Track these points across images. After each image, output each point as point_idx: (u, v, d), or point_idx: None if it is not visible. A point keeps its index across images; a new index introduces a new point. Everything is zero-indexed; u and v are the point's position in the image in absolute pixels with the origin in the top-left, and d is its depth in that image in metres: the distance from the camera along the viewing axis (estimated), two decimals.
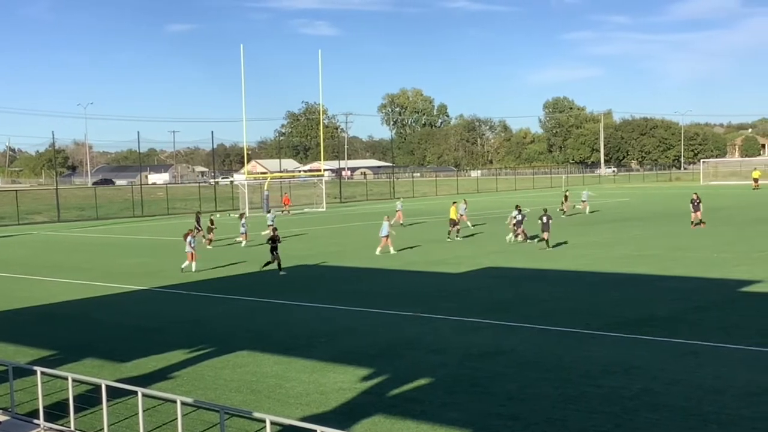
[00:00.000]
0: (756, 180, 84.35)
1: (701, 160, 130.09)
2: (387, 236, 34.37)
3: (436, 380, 14.27)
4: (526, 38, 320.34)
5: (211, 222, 41.31)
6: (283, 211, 68.85)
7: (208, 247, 38.63)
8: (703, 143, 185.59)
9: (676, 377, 13.86)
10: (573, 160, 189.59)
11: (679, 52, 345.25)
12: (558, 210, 42.22)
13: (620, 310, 20.04)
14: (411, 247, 36.01)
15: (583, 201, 56.07)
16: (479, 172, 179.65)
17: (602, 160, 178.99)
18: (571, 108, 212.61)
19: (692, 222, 40.99)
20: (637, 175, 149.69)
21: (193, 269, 29.76)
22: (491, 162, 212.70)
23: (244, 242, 40.43)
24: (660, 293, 22.45)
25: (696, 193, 42.90)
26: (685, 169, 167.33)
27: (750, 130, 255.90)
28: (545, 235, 33.81)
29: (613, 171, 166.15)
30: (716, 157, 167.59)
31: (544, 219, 34.06)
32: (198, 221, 42.39)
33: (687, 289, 22.99)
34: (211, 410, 12.06)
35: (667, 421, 11.67)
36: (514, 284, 25.06)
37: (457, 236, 39.94)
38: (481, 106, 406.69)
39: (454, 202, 43.09)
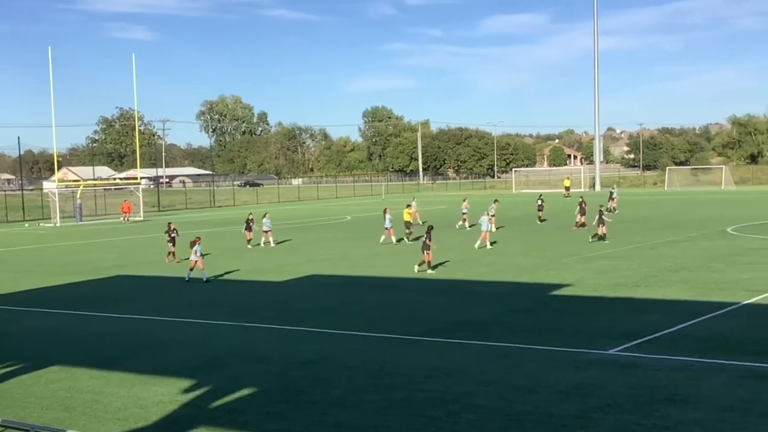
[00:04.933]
0: (567, 188, 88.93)
1: (513, 169, 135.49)
2: (390, 228, 38.46)
3: (259, 390, 14.16)
4: (345, 48, 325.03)
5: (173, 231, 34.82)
6: (122, 219, 67.31)
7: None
8: (515, 153, 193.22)
9: (493, 379, 14.36)
10: (392, 168, 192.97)
11: (490, 66, 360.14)
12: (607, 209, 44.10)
13: (440, 316, 20.57)
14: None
15: (614, 198, 57.80)
16: (300, 180, 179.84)
17: (420, 169, 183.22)
18: (389, 117, 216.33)
19: (577, 224, 43.66)
20: (453, 183, 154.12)
21: (204, 277, 28.05)
22: (312, 170, 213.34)
23: (271, 241, 39.74)
24: (476, 298, 23.20)
25: (582, 197, 47.22)
26: (498, 177, 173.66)
27: (557, 140, 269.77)
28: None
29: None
30: (527, 166, 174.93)
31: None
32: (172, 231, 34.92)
33: (502, 293, 23.87)
34: (20, 429, 11.43)
35: (486, 422, 12.06)
36: (337, 292, 25.22)
37: (408, 239, 39.77)
38: (301, 114, 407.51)
39: (408, 205, 43.25)
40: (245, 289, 26.52)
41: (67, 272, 31.79)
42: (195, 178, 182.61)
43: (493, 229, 43.38)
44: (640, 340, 16.92)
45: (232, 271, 30.24)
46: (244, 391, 14.06)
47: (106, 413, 13.07)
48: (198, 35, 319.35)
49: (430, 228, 29.60)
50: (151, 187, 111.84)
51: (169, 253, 34.31)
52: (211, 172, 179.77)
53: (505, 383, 14.07)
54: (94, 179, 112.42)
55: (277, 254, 36.36)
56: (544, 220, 49.38)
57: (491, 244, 35.78)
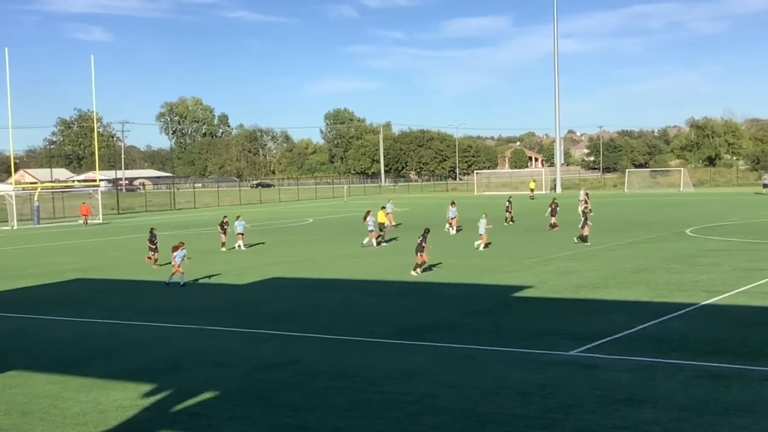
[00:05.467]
0: (532, 190, 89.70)
1: (475, 171, 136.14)
2: (373, 230, 38.23)
3: (221, 393, 14.05)
4: (306, 49, 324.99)
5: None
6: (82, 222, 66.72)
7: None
8: (476, 155, 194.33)
9: (455, 381, 14.39)
10: (354, 170, 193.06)
11: (452, 68, 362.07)
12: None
13: (402, 318, 20.56)
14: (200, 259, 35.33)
15: (581, 200, 55.21)
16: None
17: (382, 171, 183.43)
18: (351, 119, 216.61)
19: (550, 225, 44.74)
20: (416, 185, 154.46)
21: (181, 281, 27.42)
22: (274, 172, 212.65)
23: (242, 245, 39.22)
24: (439, 300, 23.24)
25: (554, 198, 49.56)
26: (460, 180, 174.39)
27: (518, 143, 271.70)
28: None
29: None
30: (488, 168, 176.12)
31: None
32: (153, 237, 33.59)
33: (464, 295, 23.94)
34: None
35: (448, 424, 12.07)
36: (299, 295, 25.13)
37: (383, 241, 39.63)
38: (262, 116, 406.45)
39: (382, 207, 42.97)
40: (207, 292, 26.33)
41: (25, 275, 31.35)
42: (155, 180, 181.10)
43: (453, 232, 43.56)
44: (600, 341, 17.06)
45: (195, 275, 29.99)
46: (206, 395, 13.96)
47: (65, 418, 12.90)
48: (158, 36, 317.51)
49: (427, 231, 29.38)
50: (107, 186, 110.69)
51: (150, 258, 33.45)
52: (171, 175, 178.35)
53: (468, 385, 14.10)
54: (52, 181, 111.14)
55: (240, 257, 36.18)
56: (512, 221, 49.63)
57: (485, 246, 35.75)
